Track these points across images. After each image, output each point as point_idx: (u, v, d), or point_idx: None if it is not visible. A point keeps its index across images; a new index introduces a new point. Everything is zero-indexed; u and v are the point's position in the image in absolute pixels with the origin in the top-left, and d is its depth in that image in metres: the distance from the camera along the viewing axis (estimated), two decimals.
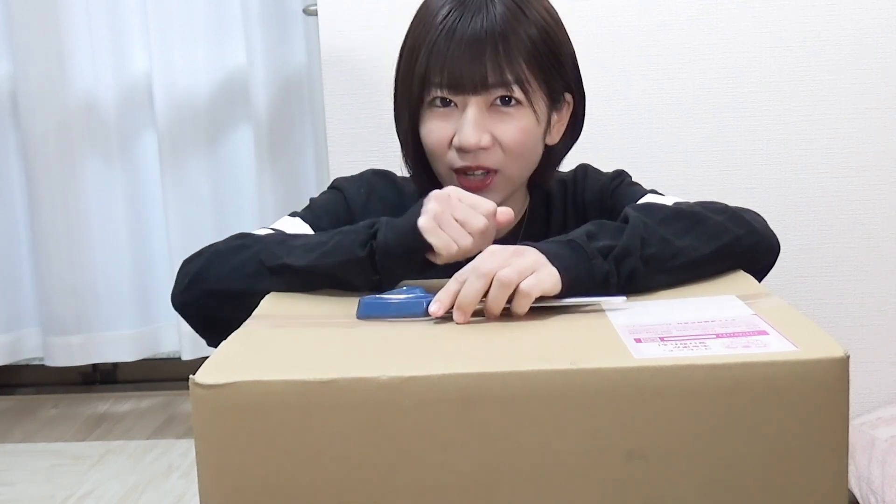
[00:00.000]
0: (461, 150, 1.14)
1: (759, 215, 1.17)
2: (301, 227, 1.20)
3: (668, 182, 1.27)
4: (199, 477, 0.80)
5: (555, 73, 1.17)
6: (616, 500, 0.78)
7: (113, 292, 2.54)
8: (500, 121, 1.15)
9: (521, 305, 0.93)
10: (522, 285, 0.92)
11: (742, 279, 1.05)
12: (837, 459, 0.78)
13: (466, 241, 1.01)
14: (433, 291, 0.96)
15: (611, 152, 1.86)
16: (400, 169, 1.28)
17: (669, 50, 1.85)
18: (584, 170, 1.31)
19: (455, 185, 1.13)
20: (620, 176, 1.29)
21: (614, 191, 1.26)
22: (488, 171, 1.16)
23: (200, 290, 1.09)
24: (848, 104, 1.85)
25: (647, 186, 1.27)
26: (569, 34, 1.21)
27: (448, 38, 1.12)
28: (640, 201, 1.18)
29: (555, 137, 1.22)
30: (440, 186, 1.13)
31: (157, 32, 2.39)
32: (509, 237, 1.20)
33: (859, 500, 1.67)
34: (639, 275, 0.99)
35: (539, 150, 1.21)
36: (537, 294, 0.93)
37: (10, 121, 2.52)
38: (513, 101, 1.14)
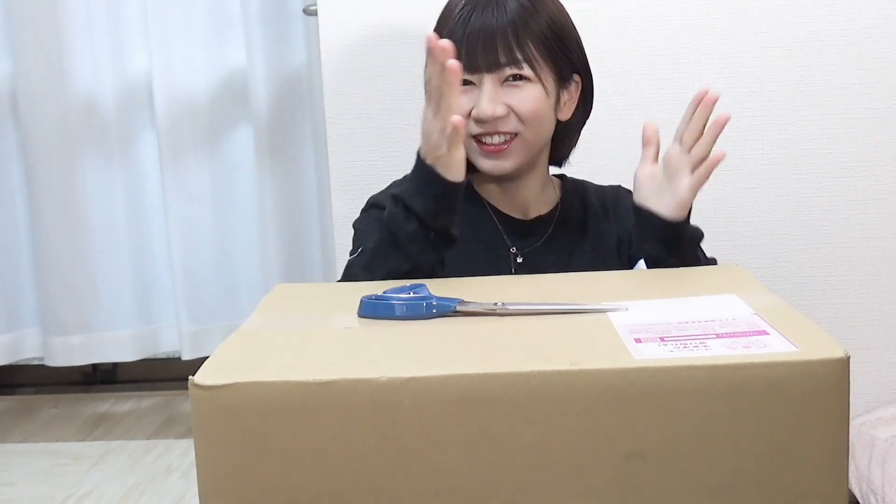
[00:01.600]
0: (479, 121, 1.29)
1: None
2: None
3: None
4: (198, 477, 0.80)
5: (562, 55, 1.33)
6: (616, 500, 0.78)
7: (113, 292, 2.54)
8: (512, 93, 1.30)
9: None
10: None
11: (742, 279, 1.05)
12: (837, 459, 0.78)
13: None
14: (438, 292, 0.96)
15: (611, 152, 1.86)
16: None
17: (669, 50, 1.85)
18: (626, 189, 1.41)
19: (475, 152, 1.31)
20: None
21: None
22: (507, 136, 1.30)
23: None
24: (848, 104, 1.85)
25: None
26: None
27: (464, 26, 1.28)
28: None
29: (566, 113, 1.37)
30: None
31: (156, 32, 2.39)
32: (541, 223, 1.38)
33: (859, 500, 1.67)
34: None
35: (551, 121, 1.35)
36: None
37: (10, 121, 2.52)
38: (523, 78, 1.29)
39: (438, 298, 0.96)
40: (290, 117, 2.40)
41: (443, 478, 0.78)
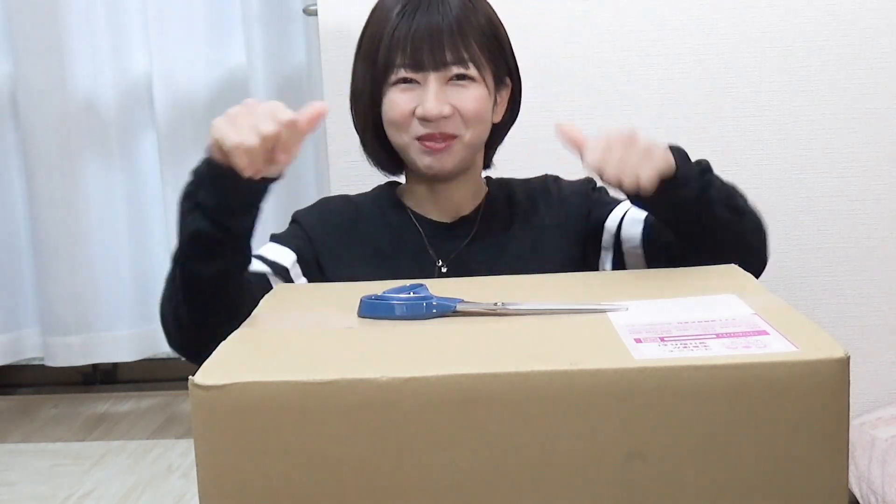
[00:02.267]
0: (424, 120, 1.27)
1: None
2: (277, 250, 1.30)
3: None
4: (198, 477, 0.79)
5: (500, 56, 1.32)
6: (616, 500, 0.78)
7: (113, 292, 2.54)
8: (457, 93, 1.28)
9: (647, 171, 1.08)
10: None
11: (742, 279, 1.05)
12: (837, 459, 0.78)
13: (251, 139, 1.05)
14: (437, 292, 0.96)
15: None
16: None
17: (669, 50, 1.85)
18: (554, 176, 1.42)
19: (417, 151, 1.29)
20: (599, 188, 1.38)
21: (595, 188, 1.38)
22: (447, 137, 1.28)
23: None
24: (848, 104, 1.85)
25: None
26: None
27: (408, 24, 1.26)
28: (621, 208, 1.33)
29: (499, 115, 1.36)
30: (399, 160, 1.34)
31: (157, 32, 2.39)
32: (465, 224, 1.34)
33: (859, 500, 1.67)
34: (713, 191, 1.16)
35: (489, 123, 1.34)
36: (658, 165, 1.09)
37: (10, 121, 2.52)
38: (467, 78, 1.28)
39: (438, 298, 0.96)
40: None
41: (443, 478, 0.78)
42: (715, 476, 0.78)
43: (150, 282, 2.53)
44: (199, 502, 0.81)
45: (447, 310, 0.95)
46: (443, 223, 1.35)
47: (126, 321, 2.54)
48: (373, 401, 0.77)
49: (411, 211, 1.36)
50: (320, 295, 1.10)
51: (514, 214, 1.36)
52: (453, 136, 1.28)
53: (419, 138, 1.28)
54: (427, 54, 1.25)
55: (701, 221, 1.16)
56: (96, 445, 2.34)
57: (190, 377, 0.78)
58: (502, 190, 1.39)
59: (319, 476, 0.78)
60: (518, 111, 1.40)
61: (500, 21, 1.34)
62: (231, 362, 0.84)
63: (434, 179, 1.33)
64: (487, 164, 1.41)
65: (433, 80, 1.26)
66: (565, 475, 0.78)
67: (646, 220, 1.28)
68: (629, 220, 1.30)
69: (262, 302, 1.03)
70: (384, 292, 0.98)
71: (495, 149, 1.41)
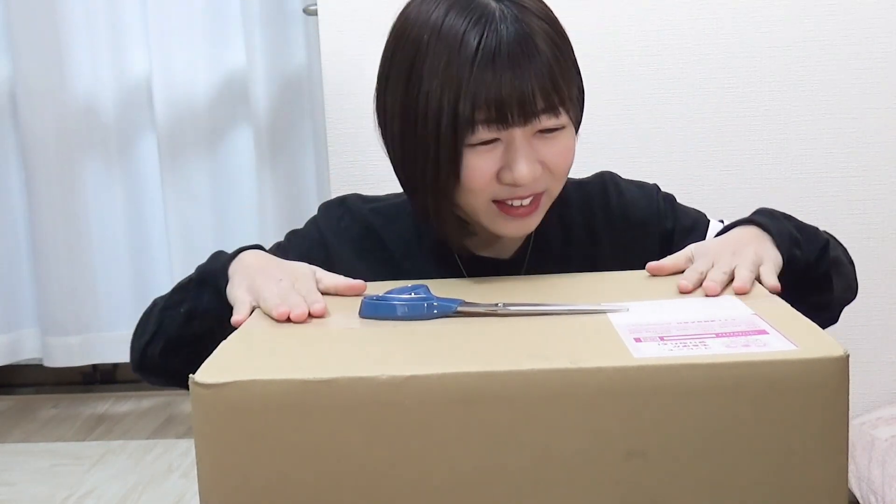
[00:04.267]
0: (514, 185, 1.06)
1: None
2: None
3: (669, 182, 1.27)
4: (199, 477, 0.80)
5: (576, 78, 1.10)
6: (616, 500, 0.78)
7: (112, 293, 2.54)
8: (546, 145, 1.06)
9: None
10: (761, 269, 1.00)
11: None
12: (837, 459, 0.78)
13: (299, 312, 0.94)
14: (439, 293, 0.96)
15: (611, 152, 1.86)
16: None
17: (669, 50, 1.85)
18: (612, 178, 1.24)
19: (495, 215, 1.08)
20: (669, 198, 1.24)
21: (672, 205, 1.23)
22: (535, 196, 1.09)
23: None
24: (848, 104, 1.85)
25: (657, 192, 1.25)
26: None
27: (492, 75, 1.01)
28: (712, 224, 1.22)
29: None
30: (465, 222, 1.12)
31: (156, 33, 2.39)
32: (517, 259, 1.18)
33: (859, 500, 1.67)
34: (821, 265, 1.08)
35: None
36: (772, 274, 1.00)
37: (10, 122, 2.52)
38: (557, 129, 1.06)
39: (440, 299, 0.96)
40: (290, 117, 2.40)
41: (443, 477, 0.78)
42: (715, 475, 0.78)
43: (150, 282, 2.54)
44: (200, 502, 0.81)
45: (448, 310, 0.95)
46: (487, 258, 1.17)
47: (125, 321, 2.53)
48: (373, 400, 0.77)
49: (458, 255, 1.17)
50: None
51: (570, 243, 1.19)
52: (539, 194, 1.09)
53: (497, 201, 1.08)
54: (516, 109, 1.02)
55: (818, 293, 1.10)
56: (96, 445, 2.34)
57: (190, 376, 0.78)
58: (555, 207, 1.14)
59: (320, 474, 0.78)
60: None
61: (560, 25, 1.09)
62: (231, 361, 0.84)
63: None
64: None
65: (520, 136, 1.04)
66: (565, 474, 0.78)
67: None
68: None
69: None
70: (385, 293, 0.98)
71: None
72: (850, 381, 0.78)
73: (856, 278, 1.20)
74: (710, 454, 0.77)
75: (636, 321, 0.89)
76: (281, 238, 1.24)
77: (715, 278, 0.97)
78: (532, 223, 1.10)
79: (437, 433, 0.77)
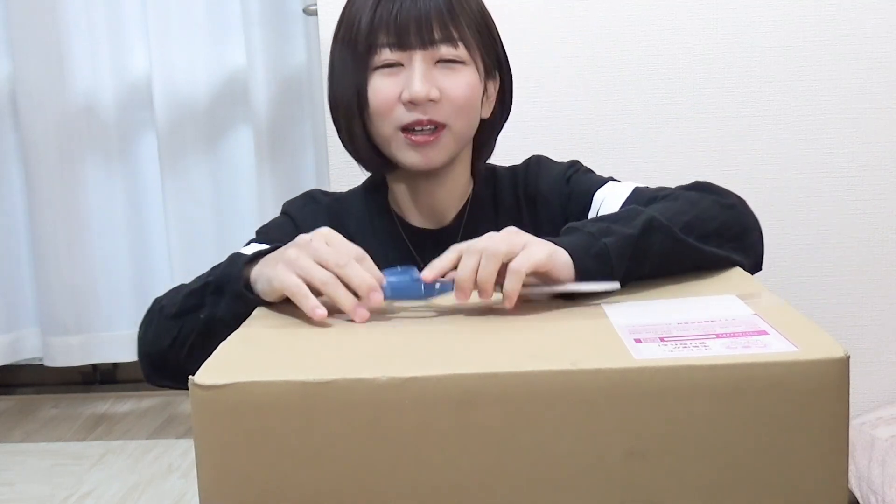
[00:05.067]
0: (410, 104, 1.18)
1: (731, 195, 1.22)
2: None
3: (668, 182, 1.27)
4: (198, 477, 0.80)
5: (490, 44, 1.24)
6: (616, 501, 0.78)
7: (113, 292, 2.54)
8: (446, 76, 1.20)
9: (512, 283, 0.92)
10: (512, 263, 0.93)
11: (742, 279, 1.05)
12: (837, 459, 0.78)
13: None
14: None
15: (611, 152, 1.86)
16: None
17: (669, 50, 1.85)
18: (537, 159, 1.34)
19: (401, 145, 1.20)
20: (575, 165, 1.32)
21: (571, 177, 1.30)
22: (436, 127, 1.20)
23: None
24: (848, 104, 1.85)
25: (640, 184, 1.26)
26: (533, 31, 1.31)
27: (393, 2, 1.17)
28: (604, 189, 1.23)
29: (487, 110, 1.28)
30: (384, 157, 1.23)
31: (156, 32, 2.39)
32: (451, 229, 1.28)
33: (859, 500, 1.67)
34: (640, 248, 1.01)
35: (478, 115, 1.26)
36: (526, 269, 0.92)
37: (10, 121, 2.52)
38: (456, 61, 1.20)
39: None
40: (290, 117, 2.40)
41: (443, 478, 0.78)
42: (715, 475, 0.78)
43: (150, 282, 2.54)
44: (200, 502, 0.81)
45: (448, 289, 0.97)
46: (427, 230, 1.29)
47: (126, 321, 2.54)
48: (373, 401, 0.77)
49: (397, 217, 1.30)
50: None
51: (499, 217, 1.28)
52: (441, 126, 1.20)
53: (404, 129, 1.20)
54: (413, 32, 1.17)
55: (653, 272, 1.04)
56: (96, 445, 2.34)
57: (190, 377, 0.78)
58: (487, 187, 1.31)
59: (319, 475, 0.78)
60: (508, 112, 1.32)
61: (489, 13, 1.26)
62: (231, 362, 0.84)
63: (418, 176, 1.26)
64: (474, 172, 1.32)
65: (419, 59, 1.18)
66: (565, 475, 0.78)
67: (627, 199, 1.20)
68: (611, 198, 1.22)
69: None
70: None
71: (488, 150, 1.32)
72: (851, 381, 0.78)
73: (749, 225, 1.16)
74: (710, 455, 0.77)
75: (636, 322, 0.89)
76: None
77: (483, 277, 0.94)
78: (434, 156, 1.21)
79: (437, 434, 0.77)
